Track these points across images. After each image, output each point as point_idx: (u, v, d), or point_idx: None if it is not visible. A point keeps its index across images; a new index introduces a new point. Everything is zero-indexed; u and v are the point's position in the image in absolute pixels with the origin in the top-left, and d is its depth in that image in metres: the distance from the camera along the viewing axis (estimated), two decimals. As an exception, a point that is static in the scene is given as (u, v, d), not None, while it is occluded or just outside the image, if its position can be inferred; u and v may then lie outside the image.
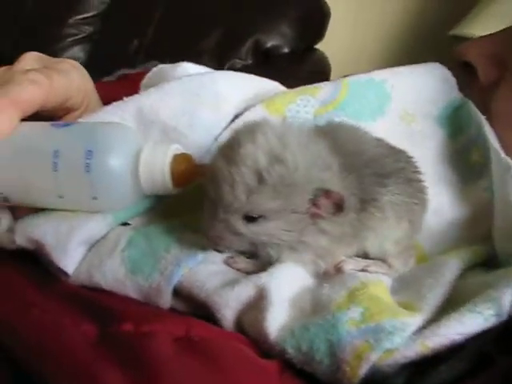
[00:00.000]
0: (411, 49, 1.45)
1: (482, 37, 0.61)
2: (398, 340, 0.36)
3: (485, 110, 0.53)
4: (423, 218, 0.48)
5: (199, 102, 0.50)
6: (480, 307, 0.38)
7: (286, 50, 1.38)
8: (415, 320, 0.38)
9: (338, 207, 0.40)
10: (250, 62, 1.35)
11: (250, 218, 0.40)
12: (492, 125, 0.52)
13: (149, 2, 1.36)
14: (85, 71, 0.54)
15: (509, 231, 0.47)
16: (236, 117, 0.52)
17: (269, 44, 1.36)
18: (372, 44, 1.57)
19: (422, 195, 0.47)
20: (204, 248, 0.43)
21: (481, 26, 1.25)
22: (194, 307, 0.42)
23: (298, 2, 1.39)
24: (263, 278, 0.41)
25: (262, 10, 1.36)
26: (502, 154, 0.48)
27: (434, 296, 0.41)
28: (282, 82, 0.57)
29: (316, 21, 1.42)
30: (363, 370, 0.36)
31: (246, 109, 0.52)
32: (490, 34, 0.58)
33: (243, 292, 0.40)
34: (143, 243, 0.44)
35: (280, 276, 0.41)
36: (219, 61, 1.31)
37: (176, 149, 0.45)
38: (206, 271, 0.42)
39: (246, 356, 0.37)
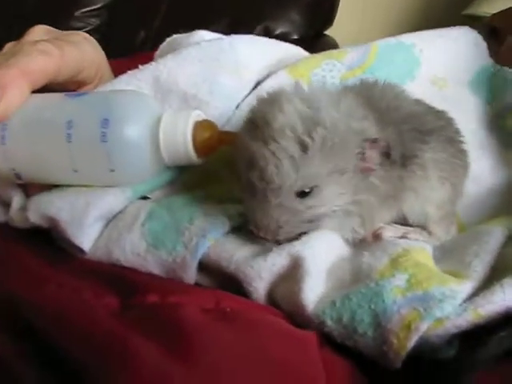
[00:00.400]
0: (423, 32, 1.41)
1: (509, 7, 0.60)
2: (449, 308, 0.33)
3: None
4: (465, 182, 0.45)
5: (219, 68, 0.47)
6: None
7: (295, 37, 1.34)
8: (465, 287, 0.35)
9: (386, 155, 0.37)
10: (259, 49, 1.32)
11: (303, 194, 0.37)
12: None
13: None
14: (97, 44, 0.52)
15: None
16: (258, 84, 0.49)
17: (278, 31, 1.33)
18: (382, 29, 1.53)
19: (464, 157, 0.44)
20: (230, 217, 0.40)
21: (495, 5, 1.23)
22: (221, 281, 0.39)
23: (306, -11, 1.36)
24: (297, 246, 0.38)
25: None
26: None
27: (481, 263, 0.38)
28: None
29: (325, 7, 1.39)
30: (412, 341, 0.32)
31: (268, 75, 0.49)
32: None
33: (276, 262, 0.37)
34: (165, 215, 0.41)
35: (315, 244, 0.38)
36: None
37: (198, 115, 0.42)
38: (234, 242, 0.39)
39: (281, 326, 0.34)
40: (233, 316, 0.33)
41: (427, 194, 0.41)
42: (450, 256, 0.40)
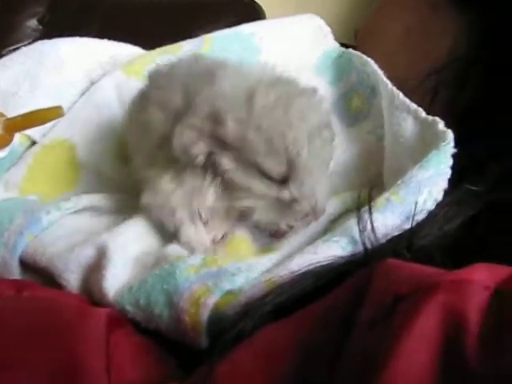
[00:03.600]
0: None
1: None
2: (242, 280, 0.33)
3: None
4: None
5: (40, 67, 0.48)
6: (338, 236, 0.34)
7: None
8: (265, 260, 0.35)
9: None
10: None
11: None
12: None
13: (81, 23, 1.34)
14: None
15: (398, 169, 0.43)
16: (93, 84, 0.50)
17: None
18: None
19: None
20: (48, 212, 0.40)
21: None
22: (44, 277, 0.39)
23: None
24: (103, 236, 0.37)
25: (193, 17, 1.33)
26: (389, 85, 0.45)
27: (297, 235, 0.37)
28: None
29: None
30: (203, 317, 0.32)
31: (104, 75, 0.49)
32: None
33: (82, 253, 0.37)
34: None
35: (122, 233, 0.38)
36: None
37: None
38: (52, 236, 0.39)
39: (70, 304, 0.34)
40: (27, 299, 0.33)
41: None
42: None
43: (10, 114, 0.43)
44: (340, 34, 0.60)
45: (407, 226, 0.34)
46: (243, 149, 0.34)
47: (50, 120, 0.42)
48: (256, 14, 1.32)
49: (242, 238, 0.39)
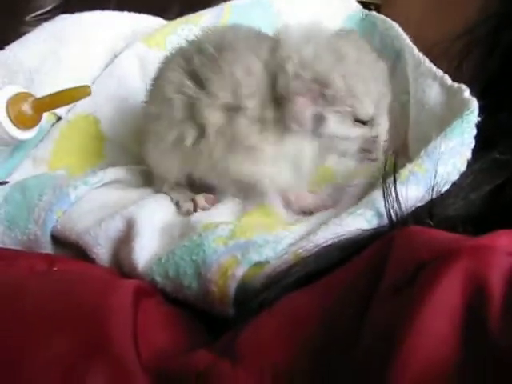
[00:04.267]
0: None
1: None
2: (269, 252, 0.33)
3: None
4: None
5: (62, 43, 0.48)
6: (362, 209, 0.34)
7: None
8: (292, 232, 0.35)
9: None
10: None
11: None
12: None
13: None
14: None
15: (423, 137, 0.43)
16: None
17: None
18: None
19: None
20: (75, 187, 0.41)
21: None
22: (76, 251, 0.40)
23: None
24: (130, 208, 0.38)
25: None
26: (415, 51, 0.44)
27: (324, 211, 0.37)
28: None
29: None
30: (231, 288, 0.32)
31: (126, 47, 0.49)
32: None
33: (110, 226, 0.38)
34: (18, 197, 0.42)
35: (150, 205, 0.38)
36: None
37: (11, 91, 0.42)
38: (80, 211, 0.40)
39: (98, 277, 0.35)
40: (57, 274, 0.34)
41: None
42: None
43: (35, 91, 0.43)
44: (365, -8, 0.58)
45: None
46: (347, 99, 0.36)
47: (77, 99, 0.43)
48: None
49: (271, 210, 0.40)
